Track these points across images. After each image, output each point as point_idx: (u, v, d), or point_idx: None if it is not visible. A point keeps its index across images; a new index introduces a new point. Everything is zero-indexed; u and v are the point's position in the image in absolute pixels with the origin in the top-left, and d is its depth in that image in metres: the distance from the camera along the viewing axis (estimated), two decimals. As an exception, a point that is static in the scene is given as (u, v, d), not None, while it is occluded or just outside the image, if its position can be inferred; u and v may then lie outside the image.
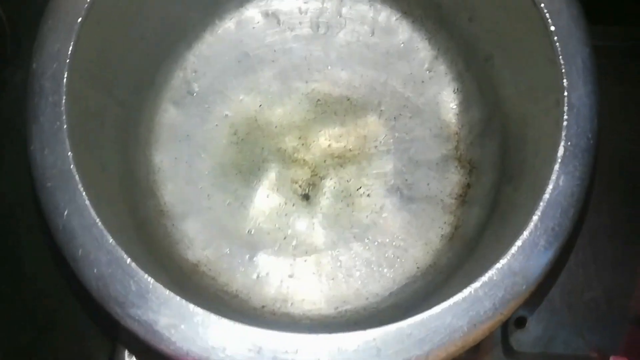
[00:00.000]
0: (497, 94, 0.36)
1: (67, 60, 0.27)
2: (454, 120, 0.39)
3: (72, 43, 0.27)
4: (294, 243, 0.38)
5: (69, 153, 0.27)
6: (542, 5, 0.28)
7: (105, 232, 0.26)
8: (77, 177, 0.26)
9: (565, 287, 0.38)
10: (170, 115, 0.39)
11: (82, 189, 0.26)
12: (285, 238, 0.38)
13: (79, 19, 0.27)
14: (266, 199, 0.39)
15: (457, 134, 0.39)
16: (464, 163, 0.39)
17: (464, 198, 0.39)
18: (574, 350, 0.38)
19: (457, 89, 0.39)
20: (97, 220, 0.26)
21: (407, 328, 0.25)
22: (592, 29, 0.37)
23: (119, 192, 0.34)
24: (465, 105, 0.39)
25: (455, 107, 0.39)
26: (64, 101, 0.27)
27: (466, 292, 0.26)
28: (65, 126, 0.27)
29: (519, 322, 0.37)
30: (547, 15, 0.27)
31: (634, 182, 0.40)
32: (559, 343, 0.38)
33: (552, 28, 0.27)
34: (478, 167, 0.39)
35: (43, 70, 0.27)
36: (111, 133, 0.34)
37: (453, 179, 0.39)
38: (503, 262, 0.26)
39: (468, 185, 0.39)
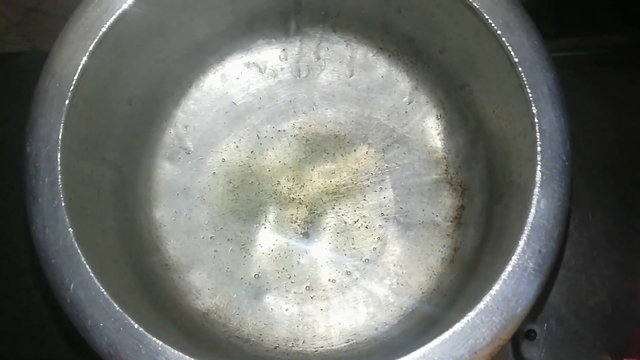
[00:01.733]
0: (478, 119, 0.37)
1: (59, 141, 0.29)
2: (440, 146, 0.40)
3: (61, 125, 0.29)
4: (299, 282, 0.39)
5: (70, 229, 0.28)
6: (504, 39, 0.29)
7: (112, 301, 0.27)
8: (79, 251, 0.28)
9: (570, 295, 0.39)
10: (165, 172, 0.41)
11: (85, 262, 0.27)
12: (290, 277, 0.39)
13: (66, 102, 0.29)
14: (267, 241, 0.40)
15: (445, 158, 0.40)
16: (455, 186, 0.40)
17: (459, 220, 0.39)
18: (586, 357, 0.38)
19: (440, 116, 0.40)
20: (103, 290, 0.27)
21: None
22: (562, 41, 0.39)
23: (122, 254, 0.35)
24: (449, 130, 0.40)
25: (439, 133, 0.40)
26: (60, 180, 0.28)
27: (464, 321, 0.27)
28: (63, 204, 0.28)
29: (529, 334, 0.38)
30: (510, 47, 0.28)
31: (625, 186, 0.41)
32: (571, 351, 0.38)
33: (516, 59, 0.28)
34: (469, 189, 0.39)
35: (37, 152, 0.29)
36: (109, 199, 0.35)
37: (446, 202, 0.40)
38: (496, 288, 0.27)
39: (462, 207, 0.40)
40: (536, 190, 0.27)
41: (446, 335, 0.27)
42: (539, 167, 0.27)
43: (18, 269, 0.39)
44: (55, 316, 0.37)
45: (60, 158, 0.28)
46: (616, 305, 0.39)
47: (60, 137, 0.28)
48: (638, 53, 0.43)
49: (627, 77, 0.43)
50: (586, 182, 0.41)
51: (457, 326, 0.26)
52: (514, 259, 0.27)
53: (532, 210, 0.27)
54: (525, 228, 0.27)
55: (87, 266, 0.27)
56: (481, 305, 0.26)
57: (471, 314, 0.27)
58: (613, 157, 0.41)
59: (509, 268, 0.27)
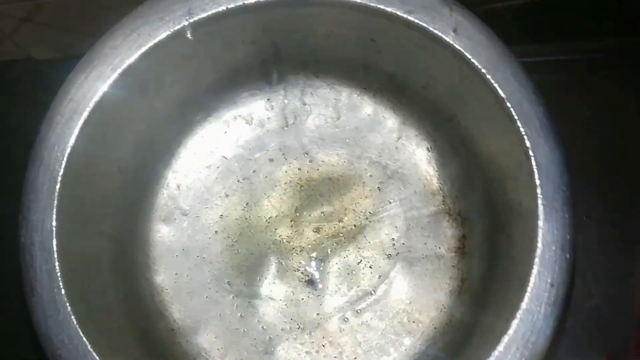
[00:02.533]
0: (469, 149, 0.37)
1: (53, 228, 0.28)
2: (435, 178, 0.40)
3: (54, 211, 0.28)
4: (309, 330, 0.38)
5: (72, 317, 0.27)
6: (489, 76, 0.29)
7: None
8: (84, 339, 0.27)
9: None
10: (162, 234, 0.40)
11: (92, 349, 0.27)
12: (299, 327, 0.39)
13: (57, 187, 0.28)
14: (272, 293, 0.39)
15: (440, 189, 0.40)
16: (455, 216, 0.40)
17: (462, 250, 0.39)
18: (583, 359, 0.38)
19: (430, 148, 0.40)
20: (112, 375, 0.27)
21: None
22: (554, 45, 0.39)
23: (128, 327, 0.34)
24: (441, 161, 0.40)
25: (432, 165, 0.40)
26: (57, 267, 0.28)
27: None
28: (63, 292, 0.27)
29: None
30: (496, 85, 0.29)
31: (619, 190, 0.41)
32: (568, 353, 0.38)
33: (503, 95, 0.28)
34: (469, 218, 0.39)
35: (31, 241, 0.28)
36: (109, 272, 0.34)
37: (447, 233, 0.40)
38: (513, 327, 0.27)
39: (464, 237, 0.39)
40: (540, 223, 0.27)
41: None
42: (540, 200, 0.27)
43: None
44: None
45: (55, 245, 0.28)
46: (612, 308, 0.39)
47: (53, 223, 0.28)
48: (628, 57, 0.43)
49: (618, 81, 0.43)
50: (581, 186, 0.41)
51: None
52: (527, 295, 0.27)
53: (539, 245, 0.27)
54: (535, 262, 0.27)
55: (94, 354, 0.26)
56: (500, 347, 0.26)
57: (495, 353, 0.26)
58: (607, 161, 0.42)
59: (523, 305, 0.26)
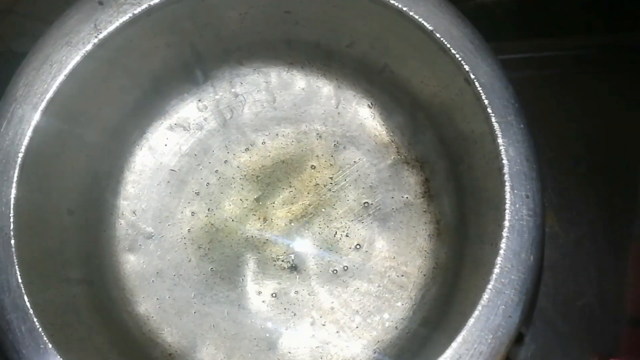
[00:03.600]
0: (409, 93, 0.37)
1: (20, 284, 0.27)
2: (383, 131, 0.40)
3: (16, 267, 0.27)
4: (305, 315, 0.38)
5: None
6: (412, 13, 0.29)
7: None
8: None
9: (557, 297, 0.40)
10: (132, 264, 0.39)
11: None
12: (295, 314, 0.38)
13: (12, 242, 0.27)
14: (259, 289, 0.39)
15: (392, 141, 0.40)
16: (413, 163, 0.40)
17: (429, 193, 0.40)
18: (573, 358, 0.39)
19: (371, 104, 0.40)
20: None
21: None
22: (543, 41, 0.39)
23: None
24: (385, 114, 0.40)
25: (378, 119, 0.40)
26: (37, 324, 0.26)
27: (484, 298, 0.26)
28: (50, 346, 0.26)
29: (518, 338, 0.38)
30: (420, 19, 0.29)
31: (606, 189, 0.42)
32: (560, 352, 0.39)
33: (430, 27, 0.29)
34: (427, 161, 0.40)
35: (2, 304, 0.26)
36: (90, 316, 0.33)
37: (410, 181, 0.40)
38: (503, 247, 0.27)
39: (427, 180, 0.40)
40: (500, 140, 0.27)
41: (476, 313, 0.26)
42: (493, 118, 0.27)
43: None
44: None
45: (28, 302, 0.26)
46: (603, 306, 0.40)
47: (19, 280, 0.26)
48: (619, 53, 0.43)
49: (609, 77, 0.43)
50: (572, 184, 0.42)
51: (487, 292, 0.26)
52: (507, 213, 0.27)
53: (505, 161, 0.27)
54: (505, 179, 0.27)
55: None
56: (496, 270, 0.26)
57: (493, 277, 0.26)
58: (599, 159, 0.42)
59: (506, 223, 0.27)
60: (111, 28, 0.29)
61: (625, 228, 0.42)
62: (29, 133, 0.29)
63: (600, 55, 0.44)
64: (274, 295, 0.39)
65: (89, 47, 0.29)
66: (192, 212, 0.39)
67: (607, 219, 0.41)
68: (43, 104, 0.29)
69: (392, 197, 0.40)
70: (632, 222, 0.41)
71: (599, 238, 0.41)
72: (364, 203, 0.40)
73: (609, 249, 0.41)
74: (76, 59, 0.29)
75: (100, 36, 0.29)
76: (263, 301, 0.38)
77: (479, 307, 0.26)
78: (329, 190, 0.40)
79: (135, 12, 0.29)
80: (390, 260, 0.39)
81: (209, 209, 0.40)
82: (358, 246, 0.39)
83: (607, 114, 0.43)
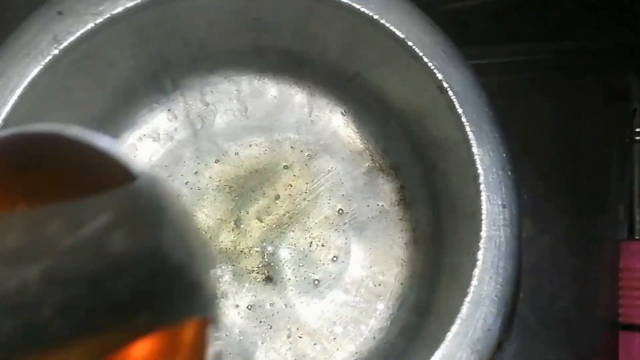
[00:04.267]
0: (381, 101, 0.37)
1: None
2: (357, 139, 0.40)
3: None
4: (282, 328, 0.37)
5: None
6: (382, 21, 0.28)
7: None
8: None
9: (534, 302, 0.40)
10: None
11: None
12: (271, 328, 0.38)
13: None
14: (234, 302, 0.38)
15: (366, 149, 0.40)
16: (387, 170, 0.40)
17: (405, 200, 0.39)
18: None
19: (345, 112, 0.40)
20: None
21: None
22: (519, 45, 0.39)
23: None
24: (359, 122, 0.40)
25: (351, 127, 0.40)
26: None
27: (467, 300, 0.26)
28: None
29: None
30: (390, 27, 0.28)
31: (580, 193, 0.42)
32: (538, 357, 0.39)
33: (402, 36, 0.28)
34: (401, 168, 0.39)
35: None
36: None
37: (386, 188, 0.40)
38: (480, 258, 0.26)
39: (402, 188, 0.39)
40: (474, 149, 0.27)
41: (454, 327, 0.26)
42: (467, 127, 0.27)
43: None
44: None
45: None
46: (579, 310, 0.40)
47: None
48: (590, 57, 0.43)
49: (579, 82, 0.43)
50: (547, 188, 0.42)
51: (466, 306, 0.26)
52: (484, 223, 0.27)
53: (480, 171, 0.27)
54: (481, 189, 0.27)
55: None
56: (474, 282, 0.26)
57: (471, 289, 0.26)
58: (569, 161, 0.42)
59: (483, 234, 0.26)
60: (72, 38, 0.28)
61: (599, 230, 0.42)
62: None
63: (571, 60, 0.44)
64: (249, 307, 0.38)
65: (49, 57, 0.28)
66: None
67: (580, 221, 0.42)
68: (1, 119, 0.27)
69: (368, 206, 0.39)
70: (604, 224, 0.42)
71: (573, 241, 0.41)
72: (339, 211, 0.39)
73: (583, 251, 0.41)
74: (35, 71, 0.28)
75: (61, 47, 0.28)
76: (238, 314, 0.38)
77: (458, 321, 0.26)
78: (304, 199, 0.39)
79: (97, 22, 0.28)
80: (367, 270, 0.38)
81: (180, 222, 0.38)
82: (334, 257, 0.38)
83: (579, 117, 0.43)
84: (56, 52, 0.28)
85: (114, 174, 0.17)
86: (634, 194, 0.41)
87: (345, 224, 0.39)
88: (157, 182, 0.17)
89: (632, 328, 0.38)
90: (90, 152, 0.18)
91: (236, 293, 0.38)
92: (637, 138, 0.42)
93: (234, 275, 0.38)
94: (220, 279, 0.38)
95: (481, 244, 0.27)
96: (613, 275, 0.40)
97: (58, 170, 0.17)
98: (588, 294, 0.40)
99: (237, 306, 0.37)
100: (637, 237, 0.40)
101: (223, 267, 0.38)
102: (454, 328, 0.26)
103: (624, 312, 0.39)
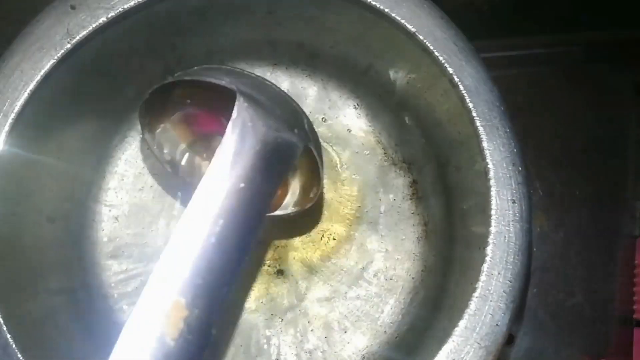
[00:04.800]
0: (394, 94, 0.37)
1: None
2: (370, 133, 0.40)
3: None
4: (292, 321, 0.38)
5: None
6: (394, 14, 0.28)
7: None
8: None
9: (547, 297, 0.39)
10: (115, 271, 0.38)
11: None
12: (282, 320, 0.38)
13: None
14: (246, 295, 0.38)
15: (379, 142, 0.40)
16: (400, 164, 0.39)
17: (417, 195, 0.39)
18: (565, 358, 0.38)
19: (357, 105, 0.40)
20: None
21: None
22: (514, 40, 0.38)
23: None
24: (371, 115, 0.40)
25: (364, 121, 0.40)
26: (10, 340, 0.26)
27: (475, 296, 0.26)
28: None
29: (508, 339, 0.38)
30: (403, 21, 0.28)
31: (598, 185, 0.41)
32: (550, 353, 0.39)
33: (413, 29, 0.28)
34: (414, 162, 0.39)
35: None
36: (71, 326, 0.32)
37: (398, 183, 0.39)
38: (490, 253, 0.26)
39: (414, 182, 0.39)
40: (485, 144, 0.27)
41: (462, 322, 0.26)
42: (478, 122, 0.27)
43: None
44: None
45: (1, 316, 0.25)
46: (593, 307, 0.39)
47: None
48: (606, 50, 0.43)
49: (594, 75, 0.43)
50: (561, 182, 0.41)
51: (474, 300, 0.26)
52: (493, 218, 0.26)
53: (490, 165, 0.27)
54: (491, 184, 0.27)
55: None
56: (483, 277, 0.26)
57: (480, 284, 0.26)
58: (586, 156, 0.42)
59: (492, 229, 0.26)
60: (85, 32, 0.28)
61: (615, 226, 0.41)
62: (0, 141, 0.28)
63: (587, 53, 0.43)
64: (261, 301, 0.38)
65: (62, 52, 0.28)
66: (175, 218, 0.39)
67: (596, 217, 0.41)
68: (15, 112, 0.28)
69: (380, 200, 0.39)
70: (620, 220, 0.41)
71: (588, 237, 0.41)
72: (352, 206, 0.39)
73: (598, 247, 0.41)
74: (49, 64, 0.28)
75: (74, 41, 0.29)
76: (250, 307, 0.38)
77: (466, 316, 0.26)
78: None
79: (110, 15, 0.28)
80: (379, 264, 0.38)
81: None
82: (345, 249, 0.38)
83: (599, 111, 0.43)
84: (69, 46, 0.28)
85: None
86: (651, 190, 0.40)
87: (357, 217, 0.39)
88: None
89: (647, 325, 0.38)
90: None
91: (248, 286, 0.38)
92: (657, 134, 0.41)
93: (245, 269, 0.38)
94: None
95: (490, 240, 0.26)
96: (629, 271, 0.40)
97: None
98: (603, 290, 0.40)
99: (247, 299, 0.38)
100: (654, 234, 0.40)
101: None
102: (462, 323, 0.26)
103: (639, 309, 0.38)
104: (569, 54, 0.43)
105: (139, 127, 0.40)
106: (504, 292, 0.26)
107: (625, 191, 0.41)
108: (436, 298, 0.36)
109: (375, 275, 0.38)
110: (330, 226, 0.39)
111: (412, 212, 0.39)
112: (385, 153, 0.40)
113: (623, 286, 0.39)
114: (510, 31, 0.44)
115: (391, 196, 0.39)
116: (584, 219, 0.41)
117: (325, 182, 0.39)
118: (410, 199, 0.39)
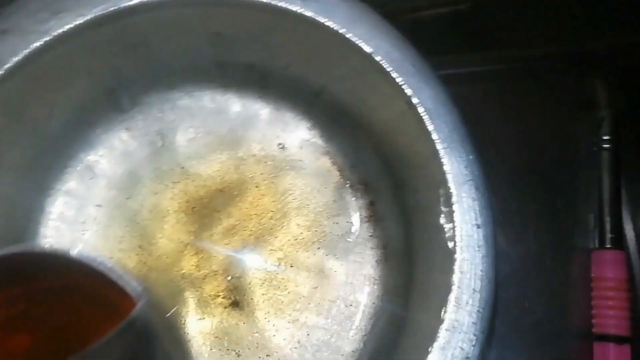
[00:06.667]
0: (349, 115, 0.36)
1: None
2: (325, 154, 0.39)
3: None
4: (251, 354, 0.36)
5: None
6: (349, 35, 0.27)
7: None
8: None
9: (507, 315, 0.39)
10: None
11: None
12: (239, 355, 0.36)
13: None
14: (199, 328, 0.36)
15: (334, 164, 0.39)
16: (357, 186, 0.39)
17: (375, 217, 0.38)
18: None
19: (311, 126, 0.39)
20: None
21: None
22: (472, 56, 0.38)
23: None
24: (326, 136, 0.39)
25: (318, 142, 0.39)
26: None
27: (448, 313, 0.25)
28: None
29: None
30: (356, 40, 0.27)
31: (549, 203, 0.41)
32: None
33: (369, 50, 0.27)
34: (370, 183, 0.38)
35: None
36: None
37: (355, 205, 0.38)
38: (456, 275, 0.25)
39: (371, 203, 0.38)
40: (446, 167, 0.26)
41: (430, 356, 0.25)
42: (439, 145, 0.26)
43: None
44: None
45: None
46: (552, 322, 0.40)
47: None
48: (557, 64, 0.43)
49: (547, 89, 0.43)
50: (516, 200, 0.41)
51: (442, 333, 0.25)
52: (458, 243, 0.26)
53: (453, 189, 0.26)
54: (454, 208, 0.26)
55: None
56: (452, 302, 0.25)
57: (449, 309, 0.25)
58: (540, 170, 0.42)
59: (457, 256, 0.25)
60: (17, 58, 0.26)
61: (570, 241, 0.41)
62: None
63: (538, 69, 0.44)
64: (216, 335, 0.36)
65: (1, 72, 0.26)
66: (122, 251, 0.37)
67: (552, 232, 0.41)
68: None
69: (337, 223, 0.38)
70: (575, 234, 0.41)
71: (545, 252, 0.41)
72: (309, 231, 0.38)
73: (555, 262, 0.41)
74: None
75: (6, 67, 0.26)
76: (204, 342, 0.36)
77: (435, 350, 0.25)
78: (271, 218, 0.38)
79: (45, 39, 0.26)
80: (338, 290, 0.37)
81: (140, 247, 0.37)
82: (303, 276, 0.37)
83: (549, 126, 0.43)
84: (1, 72, 0.26)
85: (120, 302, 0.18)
86: (603, 203, 0.41)
87: (314, 242, 0.38)
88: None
89: (606, 338, 0.38)
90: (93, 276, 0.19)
91: (201, 320, 0.36)
92: (605, 146, 0.42)
93: (198, 301, 0.36)
94: (186, 306, 0.36)
95: (456, 267, 0.26)
96: (585, 285, 0.40)
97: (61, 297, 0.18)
98: (561, 305, 0.40)
99: (202, 333, 0.36)
100: (608, 246, 0.40)
101: (186, 294, 0.36)
102: (432, 357, 0.24)
103: (597, 323, 0.39)
104: (520, 70, 0.43)
105: (80, 155, 0.37)
106: (472, 322, 0.25)
107: (578, 205, 0.42)
108: (400, 323, 0.35)
109: (335, 302, 0.37)
110: (287, 253, 0.37)
111: (370, 234, 0.38)
112: (341, 175, 0.39)
113: (581, 300, 0.40)
114: (460, 48, 0.44)
115: (348, 219, 0.38)
116: (540, 234, 0.41)
117: (280, 207, 0.38)
118: (368, 221, 0.38)
